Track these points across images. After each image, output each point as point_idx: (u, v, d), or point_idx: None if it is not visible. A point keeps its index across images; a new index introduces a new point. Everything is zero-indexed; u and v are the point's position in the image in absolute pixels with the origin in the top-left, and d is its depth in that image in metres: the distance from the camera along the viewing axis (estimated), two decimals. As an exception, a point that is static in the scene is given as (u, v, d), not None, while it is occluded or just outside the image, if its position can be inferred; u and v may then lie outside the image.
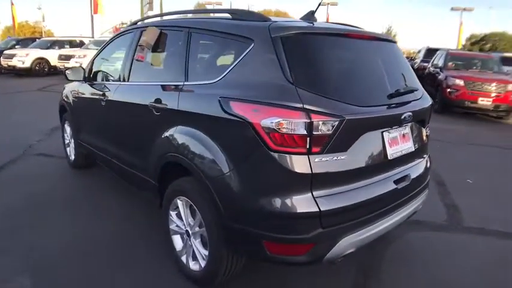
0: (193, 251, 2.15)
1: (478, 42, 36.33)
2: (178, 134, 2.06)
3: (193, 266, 2.15)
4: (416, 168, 2.22)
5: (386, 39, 2.25)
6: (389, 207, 1.97)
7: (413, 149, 2.13)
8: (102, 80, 3.24)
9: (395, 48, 2.29)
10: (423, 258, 2.54)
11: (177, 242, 2.28)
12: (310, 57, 1.76)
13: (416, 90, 2.20)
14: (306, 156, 1.62)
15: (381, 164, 1.92)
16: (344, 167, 1.72)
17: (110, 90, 2.90)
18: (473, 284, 2.29)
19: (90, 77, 3.41)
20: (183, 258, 2.23)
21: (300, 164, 1.62)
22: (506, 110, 8.38)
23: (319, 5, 2.20)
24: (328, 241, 1.71)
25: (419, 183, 2.22)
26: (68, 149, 4.23)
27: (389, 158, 1.94)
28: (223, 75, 1.90)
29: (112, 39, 3.32)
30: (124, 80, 2.77)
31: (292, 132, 1.60)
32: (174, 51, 2.38)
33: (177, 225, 2.26)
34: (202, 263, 2.06)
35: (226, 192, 1.78)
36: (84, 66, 3.69)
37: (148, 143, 2.36)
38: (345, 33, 1.96)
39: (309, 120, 1.59)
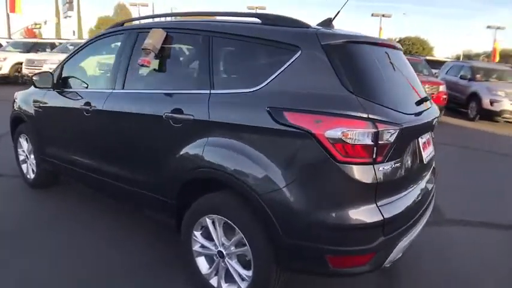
0: (227, 273, 1.99)
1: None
2: (212, 147, 1.88)
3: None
4: (432, 170, 2.36)
5: (399, 48, 2.33)
6: (424, 208, 2.05)
7: (434, 153, 2.25)
8: (81, 88, 2.85)
9: (403, 56, 2.39)
10: (428, 251, 2.69)
11: (203, 264, 2.09)
12: (359, 66, 1.74)
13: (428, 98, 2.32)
14: (372, 166, 1.60)
15: (420, 168, 1.99)
16: (399, 174, 1.74)
17: (96, 99, 2.55)
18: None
19: (59, 85, 2.98)
20: (213, 281, 2.05)
21: (366, 174, 1.59)
22: (439, 109, 9.39)
23: (338, 13, 2.19)
24: (387, 248, 1.72)
25: (434, 183, 2.36)
26: (23, 166, 3.65)
27: (424, 162, 2.01)
28: (264, 84, 1.78)
29: (89, 42, 2.92)
30: (117, 88, 2.46)
31: (359, 143, 1.57)
32: (190, 56, 2.18)
33: (202, 246, 2.07)
34: (243, 284, 1.91)
35: (283, 208, 1.67)
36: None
37: (163, 157, 2.12)
38: (378, 42, 1.98)
39: (375, 130, 1.57)
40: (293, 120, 1.64)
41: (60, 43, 13.37)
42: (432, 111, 2.16)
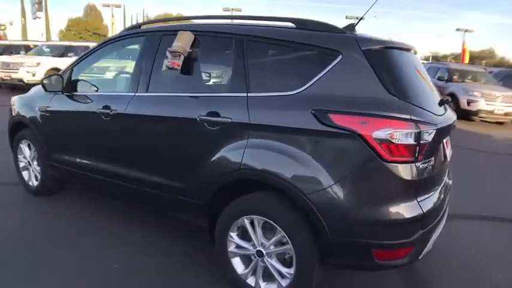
0: (264, 271, 2.03)
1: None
2: (254, 149, 1.92)
3: (265, 286, 2.04)
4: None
5: (416, 51, 2.47)
6: (447, 202, 2.19)
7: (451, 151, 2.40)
8: (95, 91, 2.80)
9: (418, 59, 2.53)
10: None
11: (238, 264, 2.13)
12: (396, 70, 1.84)
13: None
14: (413, 164, 1.70)
15: (444, 165, 2.12)
16: (433, 171, 1.86)
17: (117, 103, 2.52)
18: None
19: (69, 88, 2.91)
20: (250, 281, 2.08)
21: (409, 171, 1.70)
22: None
23: (360, 19, 2.30)
24: (424, 241, 1.83)
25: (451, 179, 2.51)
26: (24, 173, 3.52)
27: (448, 159, 2.15)
28: (305, 87, 1.85)
29: (103, 44, 2.87)
30: (140, 91, 2.44)
31: (403, 142, 1.66)
32: (222, 59, 2.21)
33: (238, 247, 2.10)
34: (284, 282, 1.96)
35: (330, 206, 1.74)
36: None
37: (196, 160, 2.13)
38: (404, 47, 2.09)
39: (417, 130, 1.67)
40: (339, 122, 1.72)
41: (36, 45, 12.83)
42: (450, 113, 2.30)
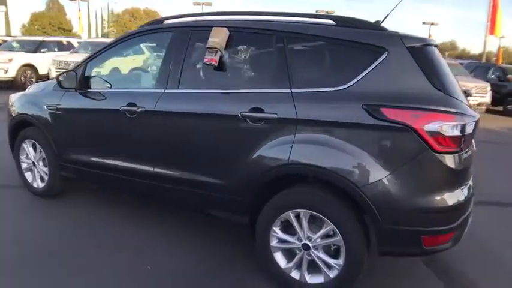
0: (310, 264, 2.07)
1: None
2: (302, 144, 1.94)
3: (311, 279, 2.08)
4: None
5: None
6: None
7: None
8: (113, 88, 2.70)
9: None
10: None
11: (281, 258, 2.15)
12: (437, 65, 1.93)
13: None
14: (458, 154, 1.81)
15: (472, 153, 2.25)
16: (470, 160, 1.98)
17: (144, 100, 2.45)
18: None
19: (84, 85, 2.79)
20: (294, 274, 2.12)
21: (455, 161, 1.80)
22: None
23: (386, 16, 2.37)
24: (463, 225, 1.96)
25: None
26: (27, 174, 3.34)
27: (474, 148, 2.29)
28: (353, 83, 1.90)
29: (120, 40, 2.76)
30: (170, 88, 2.39)
31: (451, 134, 1.76)
32: (260, 55, 2.20)
33: (281, 241, 2.13)
34: (332, 273, 2.01)
35: (384, 197, 1.81)
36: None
37: (237, 157, 2.13)
38: (435, 44, 2.19)
39: (463, 123, 1.78)
40: (391, 116, 1.78)
41: (5, 40, 12.07)
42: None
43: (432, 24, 26.03)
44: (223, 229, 2.72)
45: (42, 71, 10.26)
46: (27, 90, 3.51)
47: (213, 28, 2.24)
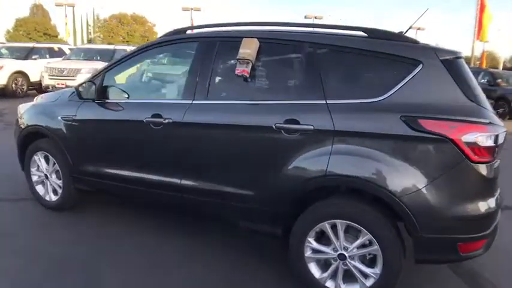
0: (345, 273, 2.08)
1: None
2: (340, 155, 1.96)
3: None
4: None
5: None
6: None
7: None
8: (133, 99, 2.67)
9: None
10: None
11: (315, 269, 2.15)
12: (468, 77, 1.97)
13: None
14: (492, 163, 1.86)
15: None
16: (498, 169, 2.02)
17: (170, 111, 2.41)
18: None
19: (103, 96, 2.75)
20: (329, 284, 2.12)
21: (489, 170, 1.85)
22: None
23: (410, 27, 2.42)
24: (494, 232, 2.01)
25: None
26: (38, 187, 3.26)
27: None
28: (389, 95, 1.93)
29: (141, 50, 2.73)
30: (197, 99, 2.37)
31: (486, 144, 1.81)
32: (292, 66, 2.21)
33: (316, 252, 2.13)
34: (368, 282, 2.02)
35: (422, 207, 1.83)
36: None
37: (271, 168, 2.13)
38: (463, 56, 2.23)
39: (496, 133, 1.83)
40: (429, 127, 1.82)
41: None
42: None
43: (419, 29, 26.61)
44: (245, 239, 2.71)
45: (33, 78, 10.05)
46: (35, 100, 3.44)
47: (243, 39, 2.24)
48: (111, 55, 10.82)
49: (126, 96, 2.70)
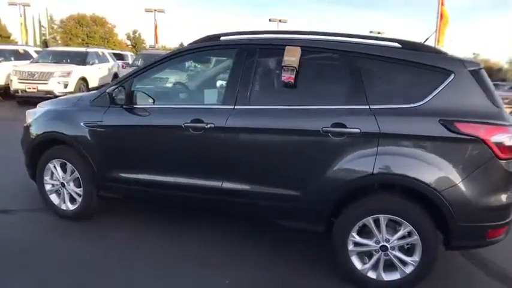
0: (386, 263, 2.28)
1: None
2: (386, 155, 2.15)
3: (387, 277, 2.29)
4: None
5: None
6: None
7: None
8: (165, 104, 2.71)
9: None
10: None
11: (357, 261, 2.33)
12: (490, 86, 2.25)
13: None
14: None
15: None
16: None
17: (211, 116, 2.48)
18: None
19: (131, 101, 2.75)
20: (371, 274, 2.31)
21: (511, 166, 2.13)
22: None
23: (428, 38, 2.70)
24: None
25: None
26: (52, 196, 3.15)
27: None
28: (427, 100, 2.16)
29: (173, 55, 2.76)
30: (239, 104, 2.45)
31: (510, 144, 2.09)
32: (333, 73, 2.38)
33: (357, 245, 2.30)
34: (407, 269, 2.24)
35: (459, 199, 2.08)
36: None
37: (317, 169, 2.29)
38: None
39: None
40: (464, 129, 2.08)
41: None
42: None
43: (379, 33, 28.09)
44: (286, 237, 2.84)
45: (-1, 81, 9.39)
46: (40, 107, 3.31)
47: (286, 47, 2.38)
48: (84, 58, 10.43)
49: (159, 101, 2.72)
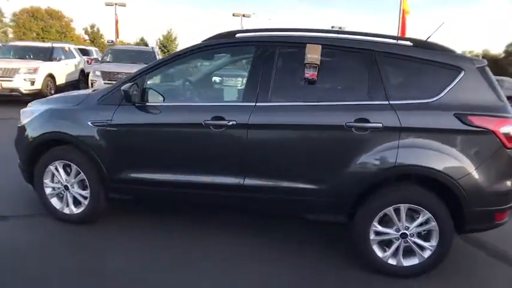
0: (405, 250, 2.42)
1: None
2: (407, 148, 2.28)
3: (406, 262, 2.43)
4: None
5: None
6: None
7: None
8: (182, 102, 2.67)
9: None
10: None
11: (378, 249, 2.46)
12: (493, 81, 2.43)
13: None
14: None
15: None
16: None
17: (233, 113, 2.48)
18: None
19: (143, 98, 2.68)
20: (391, 261, 2.45)
21: None
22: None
23: (431, 35, 2.84)
24: None
25: None
26: (53, 200, 2.99)
27: None
28: (441, 96, 2.32)
29: (187, 52, 2.71)
30: (260, 101, 2.48)
31: None
32: (354, 70, 2.46)
33: (378, 234, 2.43)
34: (426, 254, 2.40)
35: (473, 186, 2.26)
36: None
37: (341, 163, 2.38)
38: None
39: None
40: (476, 122, 2.25)
41: None
42: None
43: (340, 28, 28.92)
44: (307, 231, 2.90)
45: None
46: (33, 106, 3.12)
47: (307, 45, 2.43)
48: (50, 53, 9.82)
49: (173, 99, 2.68)
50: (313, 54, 2.39)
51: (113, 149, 2.74)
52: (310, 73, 2.38)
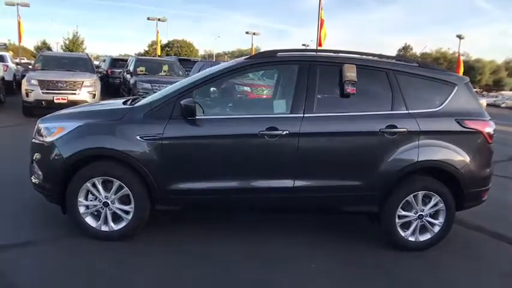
0: (420, 230, 3.08)
1: (164, 48, 42.46)
2: (425, 147, 2.92)
3: (421, 237, 3.09)
4: None
5: None
6: None
7: None
8: (233, 115, 2.90)
9: None
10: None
11: (400, 230, 3.06)
12: (474, 93, 3.28)
13: None
14: (492, 144, 3.22)
15: None
16: None
17: (284, 124, 2.83)
18: None
19: (194, 113, 2.82)
20: (411, 238, 3.08)
21: (492, 147, 3.19)
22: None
23: (424, 48, 3.65)
24: None
25: None
26: (88, 219, 2.91)
27: None
28: (443, 105, 3.04)
29: (236, 70, 2.99)
30: (307, 112, 2.88)
31: (492, 133, 3.14)
32: (379, 86, 3.02)
33: (400, 218, 3.03)
34: (435, 229, 3.08)
35: (470, 173, 3.00)
36: None
37: (376, 162, 2.92)
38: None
39: (495, 127, 3.19)
40: (470, 125, 3.03)
41: None
42: None
43: (254, 34, 30.33)
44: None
45: None
46: (45, 122, 2.99)
47: (345, 65, 2.93)
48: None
49: (223, 112, 2.88)
50: (351, 72, 2.90)
51: (164, 161, 2.81)
52: (350, 88, 2.88)
